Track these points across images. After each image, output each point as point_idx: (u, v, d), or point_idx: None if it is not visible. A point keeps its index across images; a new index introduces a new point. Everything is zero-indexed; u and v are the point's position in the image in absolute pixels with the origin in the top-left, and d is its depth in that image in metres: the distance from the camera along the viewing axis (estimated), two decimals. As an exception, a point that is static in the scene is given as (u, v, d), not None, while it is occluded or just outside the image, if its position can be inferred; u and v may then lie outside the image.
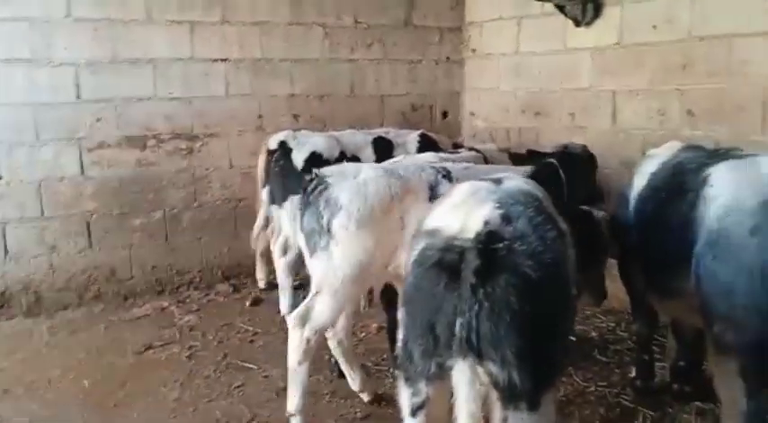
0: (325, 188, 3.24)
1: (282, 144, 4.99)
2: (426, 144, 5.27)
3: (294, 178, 4.92)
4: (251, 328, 5.10)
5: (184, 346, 4.80)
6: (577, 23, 5.32)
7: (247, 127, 6.02)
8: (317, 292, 3.33)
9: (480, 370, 2.10)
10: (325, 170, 3.37)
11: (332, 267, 3.18)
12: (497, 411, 2.19)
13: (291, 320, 3.48)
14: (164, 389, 4.15)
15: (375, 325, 5.01)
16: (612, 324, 4.86)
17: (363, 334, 4.85)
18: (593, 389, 3.88)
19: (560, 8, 5.39)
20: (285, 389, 4.07)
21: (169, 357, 4.63)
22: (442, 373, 2.19)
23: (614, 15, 5.06)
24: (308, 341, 3.45)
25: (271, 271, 5.90)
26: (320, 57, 6.19)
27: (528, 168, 3.77)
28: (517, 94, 6.13)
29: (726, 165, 2.67)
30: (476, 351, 2.06)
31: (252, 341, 4.89)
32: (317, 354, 4.51)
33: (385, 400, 3.88)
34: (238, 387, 4.18)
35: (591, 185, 4.50)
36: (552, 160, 4.21)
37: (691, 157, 3.02)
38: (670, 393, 3.80)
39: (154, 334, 5.01)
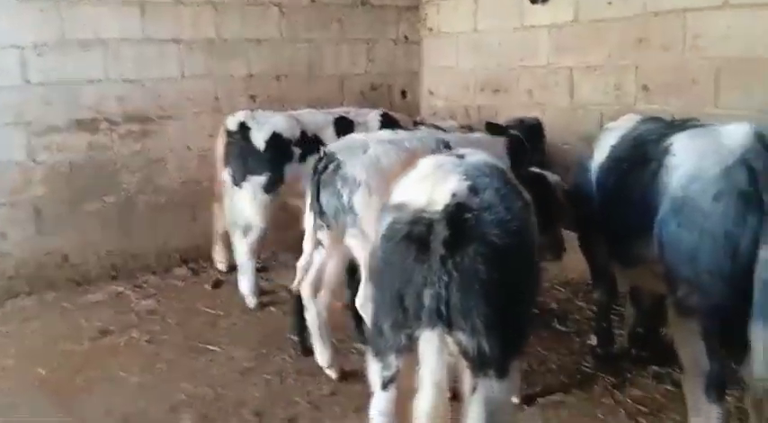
0: (338, 166, 3.27)
1: (242, 125, 4.90)
2: (387, 122, 5.25)
3: (255, 159, 4.86)
4: (212, 311, 5.01)
5: (144, 330, 4.69)
6: (533, 1, 5.36)
7: (204, 108, 5.89)
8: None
9: (449, 340, 2.11)
10: (332, 147, 3.38)
11: (368, 241, 3.13)
12: (466, 380, 2.21)
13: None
14: (123, 374, 4.05)
15: (339, 303, 4.99)
16: (570, 295, 4.95)
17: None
18: (554, 358, 3.94)
19: (517, -14, 5.42)
20: (250, 369, 4.10)
21: (128, 342, 4.51)
22: (412, 345, 2.19)
23: (570, -8, 5.11)
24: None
25: (231, 253, 5.82)
26: (277, 37, 6.08)
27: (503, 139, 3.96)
28: (476, 72, 6.16)
29: (687, 134, 2.73)
30: (445, 321, 2.08)
31: (214, 324, 4.81)
32: (281, 335, 4.52)
33: (351, 377, 3.88)
34: (202, 369, 4.11)
35: (543, 153, 4.59)
36: (517, 132, 4.29)
37: (651, 129, 3.08)
38: (628, 359, 3.90)
39: (111, 319, 4.87)
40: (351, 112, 5.39)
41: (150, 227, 5.81)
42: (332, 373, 3.86)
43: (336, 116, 5.25)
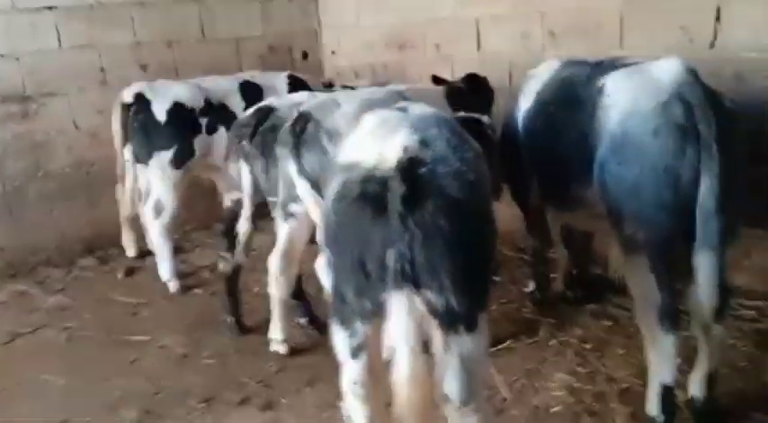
0: (319, 124, 3.12)
1: (139, 96, 4.54)
2: (296, 85, 5.05)
3: (159, 133, 4.54)
4: (131, 300, 4.71)
5: (58, 328, 4.34)
6: (434, -50, 5.28)
7: (89, 83, 5.41)
8: None
9: (417, 299, 2.05)
10: (305, 108, 3.25)
11: None
12: (437, 338, 2.16)
13: (319, 268, 3.32)
14: (47, 376, 3.73)
15: (267, 278, 4.83)
16: (498, 246, 5.04)
17: (257, 288, 4.62)
18: (494, 308, 4.00)
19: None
20: (185, 356, 3.90)
21: (44, 343, 4.17)
22: (377, 310, 2.09)
23: (465, -59, 5.07)
24: None
25: (139, 237, 5.47)
26: (164, -1, 5.66)
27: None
28: (379, 29, 6.02)
29: (619, 74, 2.77)
30: (411, 281, 2.00)
31: (135, 313, 4.53)
32: (212, 317, 4.31)
33: (295, 353, 3.78)
34: (133, 362, 3.86)
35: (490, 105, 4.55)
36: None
37: (576, 72, 3.11)
38: (565, 300, 4.04)
39: (18, 320, 4.48)
40: (256, 76, 5.14)
41: (46, 217, 5.33)
42: (282, 349, 3.72)
43: (241, 81, 4.99)
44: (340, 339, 2.27)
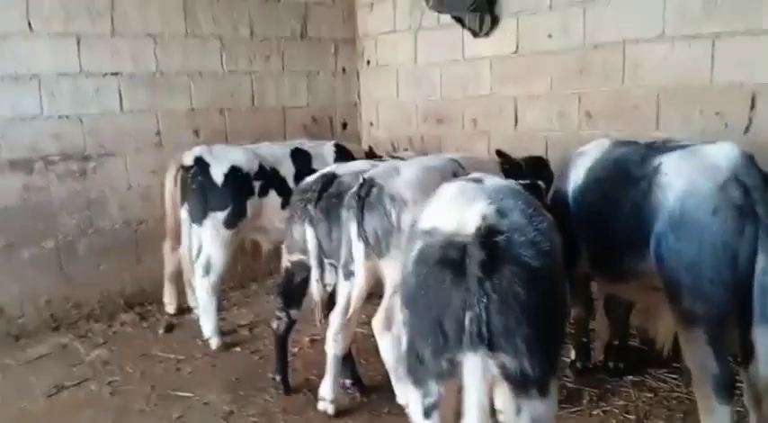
0: (382, 189, 3.36)
1: (199, 159, 4.77)
2: (341, 154, 5.29)
3: (214, 194, 4.74)
4: (172, 356, 4.78)
5: (102, 381, 4.40)
6: (475, 34, 5.62)
7: (145, 144, 5.67)
8: (395, 291, 3.31)
9: (491, 362, 2.14)
10: (369, 174, 3.48)
11: None
12: (508, 403, 2.24)
13: (378, 326, 3.52)
14: (96, 429, 3.80)
15: (306, 338, 4.93)
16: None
17: (297, 348, 4.72)
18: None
19: (458, 20, 5.66)
20: (231, 413, 3.96)
21: (89, 395, 4.22)
22: (453, 370, 2.20)
23: (511, 26, 5.41)
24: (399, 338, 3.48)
25: (180, 294, 5.60)
26: (219, 69, 5.99)
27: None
28: (418, 103, 6.33)
29: (675, 155, 2.95)
30: (486, 343, 2.10)
31: (178, 369, 4.59)
32: (254, 375, 4.39)
33: (342, 414, 3.84)
34: (180, 417, 3.91)
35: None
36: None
37: (630, 151, 3.30)
38: (606, 371, 4.11)
39: (62, 373, 4.54)
40: (305, 144, 5.38)
41: (92, 272, 5.48)
42: (330, 409, 3.77)
43: (292, 148, 5.23)
44: (414, 399, 2.36)
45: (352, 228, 3.37)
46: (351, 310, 3.49)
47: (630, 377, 4.05)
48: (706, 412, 2.74)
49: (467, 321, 2.10)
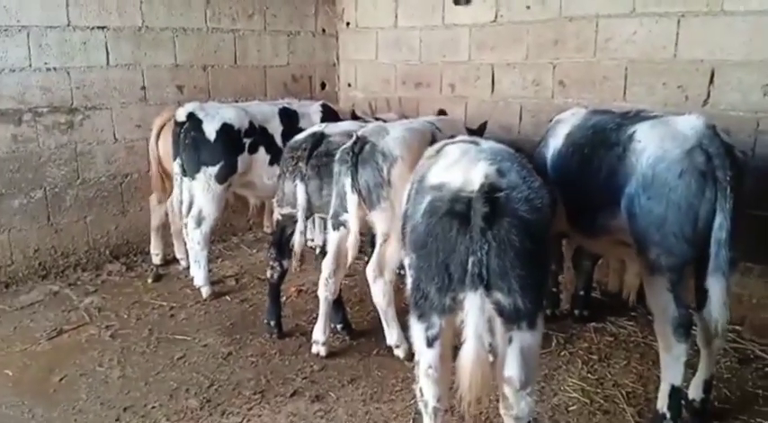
0: (374, 145, 3.63)
1: (191, 115, 4.91)
2: (327, 114, 5.50)
3: (206, 149, 4.91)
4: (165, 304, 5.02)
5: (101, 326, 4.63)
6: (456, 2, 5.85)
7: (130, 98, 5.75)
8: (385, 240, 3.70)
9: (488, 299, 2.49)
10: (361, 132, 3.76)
11: (395, 214, 3.49)
12: (500, 334, 2.62)
13: (371, 272, 3.86)
14: (101, 368, 4.04)
15: (293, 288, 5.22)
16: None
17: (284, 297, 4.99)
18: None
19: (439, -13, 5.87)
20: (230, 354, 4.24)
21: (90, 339, 4.45)
22: (455, 306, 2.56)
23: (491, -4, 5.66)
24: (391, 283, 3.86)
25: (166, 245, 5.80)
26: (203, 26, 6.07)
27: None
28: (396, 66, 6.56)
29: (648, 124, 3.30)
30: (485, 283, 2.45)
31: (172, 315, 4.84)
32: (247, 321, 4.68)
33: (334, 355, 4.17)
34: (181, 358, 4.18)
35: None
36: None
37: (606, 119, 3.65)
38: (572, 318, 4.56)
39: (59, 318, 4.75)
40: (293, 103, 5.56)
41: (79, 223, 5.62)
42: (322, 351, 4.11)
43: (280, 107, 5.40)
44: (417, 332, 2.71)
45: (347, 181, 3.65)
46: (349, 258, 3.79)
47: (593, 324, 4.52)
48: (665, 349, 3.16)
49: (469, 265, 2.44)
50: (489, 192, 2.47)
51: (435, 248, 2.59)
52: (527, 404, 2.62)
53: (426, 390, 2.74)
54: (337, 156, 3.80)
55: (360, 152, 3.70)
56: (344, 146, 3.78)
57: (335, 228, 3.90)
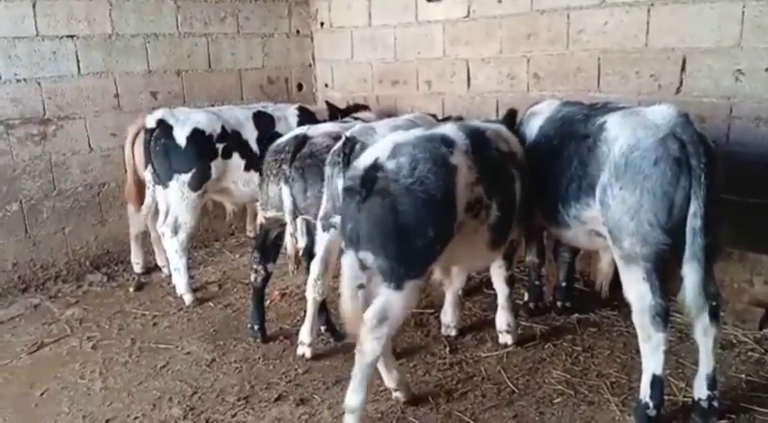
0: (365, 144, 3.59)
1: (161, 122, 4.86)
2: (305, 116, 5.47)
3: (178, 156, 4.87)
4: (147, 313, 4.97)
5: (82, 337, 4.58)
6: (428, -1, 5.85)
7: (104, 107, 5.69)
8: None
9: (356, 257, 3.09)
10: (350, 133, 3.77)
11: None
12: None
13: None
14: (83, 380, 4.00)
15: (277, 292, 5.19)
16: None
17: (268, 301, 4.95)
18: (492, 317, 4.46)
19: (411, -15, 5.86)
20: (213, 361, 4.22)
21: (72, 351, 4.40)
22: None
23: (462, -9, 5.66)
24: None
25: (146, 253, 5.75)
26: (174, 31, 6.02)
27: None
28: (373, 65, 6.54)
29: (618, 114, 3.30)
30: (355, 245, 3.06)
31: (155, 324, 4.79)
32: (229, 327, 4.64)
33: (319, 357, 4.15)
34: (164, 366, 4.14)
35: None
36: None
37: (575, 110, 3.66)
38: (554, 310, 4.57)
39: (39, 331, 4.70)
40: (269, 106, 5.52)
41: (57, 234, 5.56)
42: (307, 353, 4.09)
43: (255, 111, 5.36)
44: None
45: (339, 182, 3.61)
46: (330, 259, 3.78)
47: (577, 315, 4.53)
48: (644, 339, 3.16)
49: (348, 229, 3.09)
50: (370, 171, 3.02)
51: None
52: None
53: None
54: (328, 159, 3.75)
55: (350, 152, 3.66)
56: (334, 148, 3.74)
57: (326, 229, 3.86)
